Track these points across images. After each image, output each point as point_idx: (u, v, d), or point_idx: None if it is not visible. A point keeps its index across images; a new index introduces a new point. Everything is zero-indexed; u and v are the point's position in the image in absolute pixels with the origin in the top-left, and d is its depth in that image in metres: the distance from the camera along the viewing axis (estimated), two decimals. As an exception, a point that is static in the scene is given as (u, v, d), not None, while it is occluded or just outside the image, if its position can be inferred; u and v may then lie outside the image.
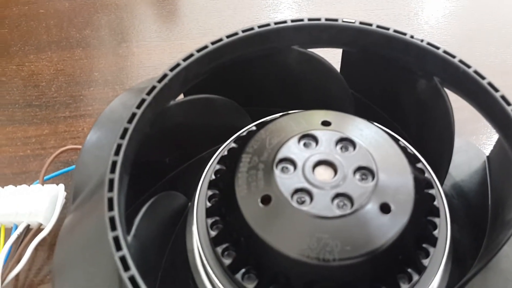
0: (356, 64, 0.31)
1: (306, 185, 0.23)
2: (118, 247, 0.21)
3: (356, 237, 0.22)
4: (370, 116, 0.30)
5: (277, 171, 0.24)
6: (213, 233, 0.25)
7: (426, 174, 0.26)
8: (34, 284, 0.33)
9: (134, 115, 0.25)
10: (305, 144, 0.25)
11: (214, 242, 0.24)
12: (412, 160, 0.26)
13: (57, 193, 0.33)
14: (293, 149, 0.24)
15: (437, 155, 0.29)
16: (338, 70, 0.32)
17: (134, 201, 0.27)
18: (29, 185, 0.34)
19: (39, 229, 0.32)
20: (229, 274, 0.23)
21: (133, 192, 0.27)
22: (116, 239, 0.21)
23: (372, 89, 0.32)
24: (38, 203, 0.32)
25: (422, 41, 0.27)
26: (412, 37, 0.27)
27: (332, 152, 0.24)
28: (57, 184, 0.34)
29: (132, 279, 0.20)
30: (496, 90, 0.25)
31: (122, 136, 0.24)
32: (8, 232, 0.33)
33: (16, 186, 0.34)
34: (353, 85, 0.32)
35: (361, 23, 0.28)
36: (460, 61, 0.27)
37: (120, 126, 0.25)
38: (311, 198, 0.23)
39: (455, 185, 0.31)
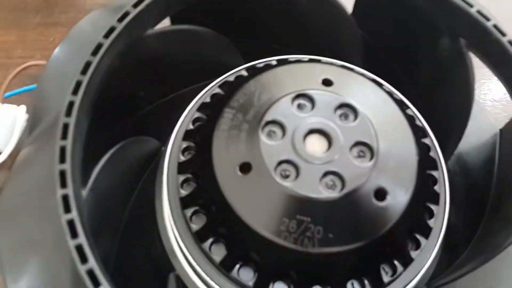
0: (372, 7, 0.27)
1: (293, 156, 0.20)
2: (67, 209, 0.18)
3: (342, 224, 0.19)
4: (380, 66, 0.27)
5: (262, 136, 0.20)
6: (183, 192, 0.22)
7: (432, 152, 0.23)
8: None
9: (100, 46, 0.21)
10: (299, 106, 0.21)
11: (184, 203, 0.21)
12: (419, 134, 0.22)
13: (16, 115, 0.30)
14: (284, 110, 0.21)
15: (448, 127, 0.25)
16: (350, 11, 0.27)
17: (98, 138, 0.24)
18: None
19: (-4, 153, 0.29)
20: (196, 240, 0.21)
21: (98, 129, 0.24)
22: (65, 198, 0.18)
23: (387, 37, 0.28)
24: None
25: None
26: (445, -13, 0.22)
27: (329, 120, 0.21)
28: (18, 105, 0.30)
29: (79, 248, 0.18)
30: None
31: (83, 71, 0.20)
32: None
33: (-27, 101, 0.31)
34: (366, 30, 0.28)
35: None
36: (495, 26, 0.22)
37: (83, 57, 0.21)
38: (297, 173, 0.19)
39: (460, 158, 0.28)
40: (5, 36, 0.36)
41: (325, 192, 0.19)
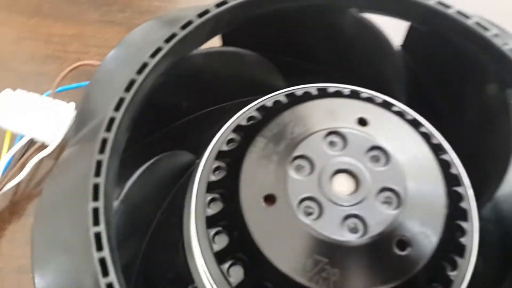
0: (422, 42, 0.26)
1: (318, 194, 0.20)
2: (96, 221, 0.19)
3: (359, 270, 0.19)
4: (424, 102, 0.26)
5: (290, 169, 0.20)
6: (209, 212, 0.22)
7: (464, 203, 0.22)
8: (32, 196, 0.32)
9: (145, 65, 0.22)
10: (331, 143, 0.21)
11: (209, 221, 0.22)
12: (453, 183, 0.22)
13: (66, 112, 0.31)
14: (315, 146, 0.21)
15: (486, 175, 0.24)
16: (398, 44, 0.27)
17: (135, 150, 0.25)
18: (41, 94, 0.32)
19: (43, 146, 0.31)
20: (216, 260, 0.22)
21: (136, 139, 0.25)
22: (95, 211, 0.19)
23: (434, 73, 0.27)
24: (45, 119, 0.31)
25: (505, 44, 0.21)
26: (496, 35, 0.22)
27: (359, 161, 0.21)
28: (68, 102, 0.32)
29: (102, 261, 0.19)
30: None
31: (127, 88, 0.21)
32: (14, 140, 0.32)
33: (28, 92, 0.32)
34: (414, 63, 0.28)
35: (439, 3, 0.22)
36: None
37: (128, 75, 0.22)
38: (320, 212, 0.20)
39: (495, 206, 0.27)
40: (63, 29, 0.38)
41: (346, 235, 0.19)
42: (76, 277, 0.21)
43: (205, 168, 0.24)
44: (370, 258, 0.19)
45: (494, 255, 0.25)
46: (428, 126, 0.24)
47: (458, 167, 0.24)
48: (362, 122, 0.21)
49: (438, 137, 0.24)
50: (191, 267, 0.23)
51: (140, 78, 0.21)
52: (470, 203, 0.23)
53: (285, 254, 0.19)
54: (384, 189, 0.20)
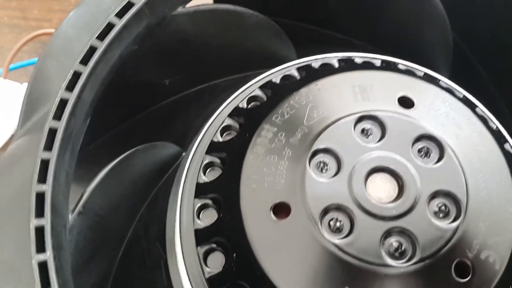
0: (470, 6, 0.21)
1: (349, 202, 0.15)
2: (40, 247, 0.14)
3: (406, 308, 0.14)
4: (469, 78, 0.21)
5: (310, 169, 0.15)
6: (199, 224, 0.17)
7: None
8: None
9: (110, 26, 0.16)
10: (364, 132, 0.16)
11: (198, 237, 0.17)
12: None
13: (19, 95, 0.25)
14: (343, 136, 0.16)
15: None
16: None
17: (108, 132, 0.20)
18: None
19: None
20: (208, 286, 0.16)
21: (109, 120, 0.20)
22: (39, 232, 0.14)
23: (480, 41, 0.22)
24: None
25: None
26: None
27: (403, 156, 0.15)
28: (23, 83, 0.26)
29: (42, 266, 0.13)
30: None
31: (85, 60, 0.16)
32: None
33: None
34: (457, 29, 0.22)
35: None
36: None
37: (91, 36, 0.16)
38: (352, 227, 0.15)
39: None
40: (22, -8, 0.32)
41: (388, 260, 0.14)
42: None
43: (193, 164, 0.19)
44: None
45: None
46: (482, 108, 0.19)
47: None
48: (405, 102, 0.16)
49: (495, 122, 0.19)
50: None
51: (102, 46, 0.16)
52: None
53: (302, 286, 0.14)
54: (438, 194, 0.15)
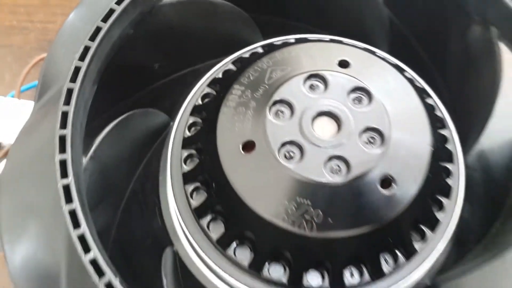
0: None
1: (299, 138, 0.19)
2: (64, 174, 0.18)
3: (343, 210, 0.18)
4: (407, 52, 0.25)
5: (269, 115, 0.19)
6: (185, 168, 0.21)
7: (449, 145, 0.22)
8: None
9: (111, 11, 0.21)
10: (311, 87, 0.20)
11: (185, 178, 0.21)
12: (437, 125, 0.21)
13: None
14: (295, 90, 0.20)
15: (471, 119, 0.24)
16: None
17: (106, 108, 0.24)
18: (5, 96, 0.31)
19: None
20: (195, 217, 0.21)
21: (107, 99, 0.24)
22: (63, 164, 0.18)
23: (416, 21, 0.27)
24: (10, 122, 0.29)
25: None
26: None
27: (341, 103, 0.20)
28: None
29: (72, 214, 0.17)
30: None
31: (92, 37, 0.20)
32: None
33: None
34: (395, 12, 0.27)
35: None
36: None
37: (94, 22, 0.20)
38: (302, 155, 0.19)
39: (482, 155, 0.26)
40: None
41: (328, 176, 0.18)
42: (48, 240, 0.20)
43: (180, 125, 0.23)
44: (354, 198, 0.18)
45: (481, 203, 0.25)
46: (411, 72, 0.23)
47: (443, 111, 0.23)
48: (344, 64, 0.21)
49: (422, 83, 0.23)
50: (168, 229, 0.22)
51: (106, 26, 0.20)
52: (456, 145, 0.22)
53: (266, 201, 0.19)
54: (367, 129, 0.19)
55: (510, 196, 0.24)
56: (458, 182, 0.21)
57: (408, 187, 0.19)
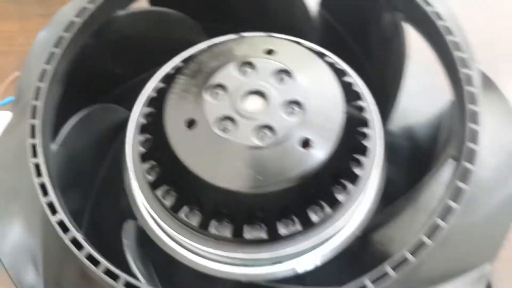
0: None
1: (232, 113, 0.23)
2: (34, 154, 0.21)
3: (270, 168, 0.22)
4: (338, 42, 0.29)
5: (206, 96, 0.23)
6: (141, 150, 0.25)
7: (366, 113, 0.25)
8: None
9: (72, 24, 0.24)
10: (242, 71, 0.24)
11: (142, 157, 0.25)
12: (354, 97, 0.25)
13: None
14: (228, 74, 0.24)
15: (387, 92, 0.28)
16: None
17: (71, 107, 0.27)
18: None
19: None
20: (151, 189, 0.24)
21: (77, 102, 0.27)
22: (33, 146, 0.22)
23: (343, 13, 0.31)
24: None
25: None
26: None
27: (267, 82, 0.23)
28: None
29: (42, 186, 0.21)
30: (451, 33, 0.24)
31: (56, 45, 0.24)
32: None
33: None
34: (325, 6, 0.31)
35: None
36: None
37: (56, 33, 0.24)
38: (235, 127, 0.22)
39: (408, 127, 0.30)
40: (8, 25, 0.40)
41: (256, 141, 0.22)
42: (27, 222, 0.23)
43: (137, 114, 0.26)
44: (279, 158, 0.22)
45: (406, 165, 0.28)
46: (332, 57, 0.27)
47: (362, 88, 0.27)
48: (270, 52, 0.24)
49: (342, 65, 0.27)
50: (132, 206, 0.26)
51: (68, 35, 0.24)
52: (373, 114, 0.26)
53: (208, 167, 0.22)
54: (288, 102, 0.23)
55: (433, 161, 0.28)
56: (376, 144, 0.25)
57: (324, 146, 0.22)
